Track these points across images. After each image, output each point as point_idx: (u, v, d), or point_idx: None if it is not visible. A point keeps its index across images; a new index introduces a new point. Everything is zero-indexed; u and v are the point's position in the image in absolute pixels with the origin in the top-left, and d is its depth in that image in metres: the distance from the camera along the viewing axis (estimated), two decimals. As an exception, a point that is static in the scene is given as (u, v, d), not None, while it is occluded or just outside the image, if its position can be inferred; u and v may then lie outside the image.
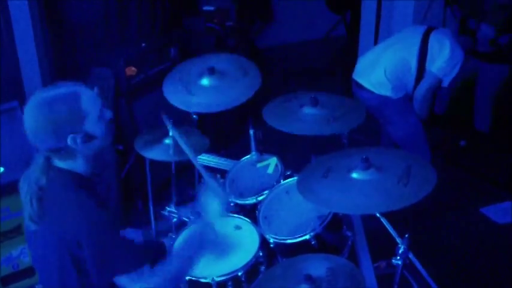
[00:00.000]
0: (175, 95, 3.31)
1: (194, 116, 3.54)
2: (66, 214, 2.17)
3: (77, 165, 2.25)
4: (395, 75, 3.87)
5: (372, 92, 3.95)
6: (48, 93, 2.18)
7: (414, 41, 3.86)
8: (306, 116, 3.03)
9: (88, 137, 2.19)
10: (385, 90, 3.90)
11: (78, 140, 2.16)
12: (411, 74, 3.86)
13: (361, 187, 2.47)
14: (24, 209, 2.24)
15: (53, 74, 4.32)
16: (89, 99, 2.19)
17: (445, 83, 3.81)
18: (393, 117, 4.02)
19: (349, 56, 6.37)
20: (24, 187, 2.25)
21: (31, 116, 2.15)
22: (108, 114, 2.27)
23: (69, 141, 2.15)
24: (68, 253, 2.20)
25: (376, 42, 5.67)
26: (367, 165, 2.49)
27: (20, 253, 3.68)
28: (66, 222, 2.17)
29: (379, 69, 3.92)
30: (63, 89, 2.20)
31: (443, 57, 3.77)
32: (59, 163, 2.24)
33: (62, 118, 2.14)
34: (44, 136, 2.16)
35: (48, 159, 2.23)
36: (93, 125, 2.20)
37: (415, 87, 3.88)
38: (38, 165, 2.23)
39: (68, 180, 2.22)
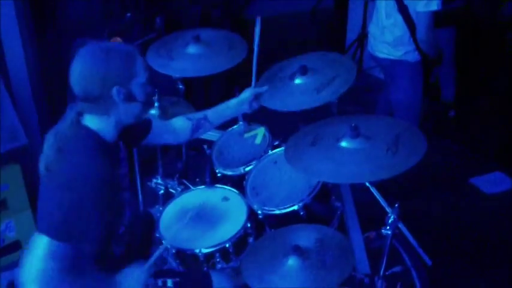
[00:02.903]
0: (156, 60, 3.29)
1: (180, 86, 3.48)
2: (73, 171, 2.16)
3: (106, 125, 2.27)
4: (399, 31, 3.80)
5: (387, 59, 3.95)
6: (108, 44, 2.29)
7: None
8: (295, 88, 2.96)
9: (130, 97, 2.24)
10: (400, 54, 3.85)
11: (121, 95, 2.21)
12: (402, 26, 3.79)
13: (349, 156, 2.43)
14: (42, 158, 2.24)
15: (35, 47, 4.24)
16: (141, 63, 2.28)
17: (438, 7, 3.67)
18: (401, 79, 3.97)
19: (337, 29, 6.34)
20: (50, 138, 2.24)
21: (83, 61, 2.19)
22: (150, 88, 2.34)
23: (113, 92, 2.19)
24: None
25: (365, 15, 5.63)
26: (355, 133, 2.45)
27: (6, 228, 3.64)
28: (69, 178, 2.16)
29: (387, 33, 3.87)
30: (122, 46, 2.31)
31: None
32: (89, 121, 2.25)
33: (115, 68, 2.20)
34: (91, 82, 2.19)
35: (79, 115, 2.26)
36: (139, 88, 2.27)
37: (413, 37, 3.80)
38: (68, 118, 2.27)
39: (90, 141, 2.24)
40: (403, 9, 3.70)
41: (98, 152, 2.21)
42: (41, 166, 2.23)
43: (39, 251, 2.09)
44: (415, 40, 3.76)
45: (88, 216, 2.13)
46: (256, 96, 2.94)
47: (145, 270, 2.37)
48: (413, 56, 3.84)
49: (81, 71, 2.19)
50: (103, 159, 2.19)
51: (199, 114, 2.86)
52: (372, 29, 4.06)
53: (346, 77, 2.92)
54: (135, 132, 2.61)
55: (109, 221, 2.26)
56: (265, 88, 2.97)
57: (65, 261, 2.10)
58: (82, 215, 2.12)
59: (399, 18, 3.75)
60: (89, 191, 2.12)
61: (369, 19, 5.31)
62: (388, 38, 3.86)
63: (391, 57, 3.90)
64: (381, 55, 3.98)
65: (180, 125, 2.81)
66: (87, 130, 2.25)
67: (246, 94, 2.92)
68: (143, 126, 2.66)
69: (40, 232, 2.11)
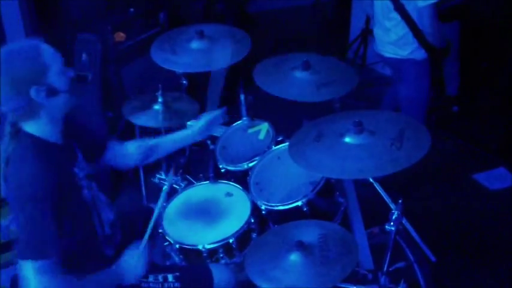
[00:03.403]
0: (161, 55, 3.29)
1: (184, 82, 3.48)
2: (15, 179, 2.14)
3: (43, 126, 2.20)
4: (402, 30, 3.79)
5: (395, 58, 3.94)
6: (7, 48, 2.13)
7: None
8: (296, 80, 2.96)
9: (52, 91, 2.14)
10: (406, 53, 3.85)
11: (42, 94, 2.11)
12: (404, 25, 3.78)
13: (353, 151, 2.43)
14: None
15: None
16: (48, 52, 2.15)
17: None
18: (409, 77, 3.97)
19: (340, 23, 6.32)
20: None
21: None
22: (71, 72, 2.22)
23: (32, 94, 2.09)
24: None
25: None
26: (359, 129, 2.45)
27: (10, 223, 3.63)
28: (12, 187, 2.15)
29: (392, 34, 3.86)
30: (21, 43, 2.17)
31: None
32: (28, 127, 2.19)
33: (23, 71, 2.09)
34: (6, 94, 2.10)
35: (15, 125, 2.19)
36: (57, 78, 2.15)
37: (415, 34, 3.78)
38: (6, 133, 2.20)
39: (29, 145, 2.17)
40: (399, 8, 3.69)
41: (41, 157, 2.15)
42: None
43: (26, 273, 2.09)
44: (418, 37, 3.75)
45: (44, 226, 2.09)
46: (212, 122, 2.87)
47: (143, 249, 2.40)
48: (419, 54, 3.82)
49: None
50: (48, 163, 2.14)
51: (152, 141, 2.76)
52: (376, 30, 4.05)
53: (348, 80, 2.94)
54: (91, 146, 2.55)
55: (77, 223, 2.26)
56: (218, 112, 2.90)
57: (54, 272, 2.11)
58: (37, 227, 2.09)
59: (400, 17, 3.74)
60: (38, 200, 2.08)
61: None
62: (392, 38, 3.85)
63: (398, 57, 3.90)
64: (388, 54, 3.97)
65: (132, 150, 2.71)
66: (29, 137, 2.19)
67: (201, 122, 2.84)
68: (99, 141, 2.61)
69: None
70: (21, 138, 2.19)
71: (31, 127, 2.19)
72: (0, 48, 2.13)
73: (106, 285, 2.32)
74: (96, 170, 2.51)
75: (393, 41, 3.86)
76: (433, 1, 3.58)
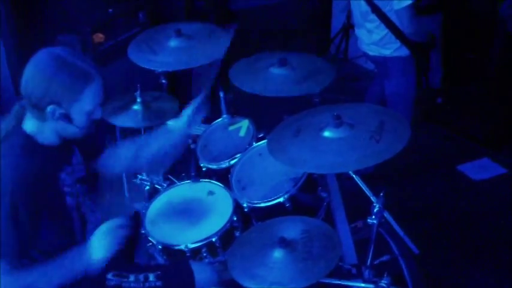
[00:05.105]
0: (138, 54, 3.26)
1: (163, 81, 3.45)
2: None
3: (42, 130, 2.21)
4: (384, 30, 3.79)
5: (379, 56, 3.95)
6: (69, 56, 2.16)
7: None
8: (273, 77, 2.94)
9: (66, 118, 2.16)
10: (390, 51, 3.86)
11: (56, 115, 2.14)
12: (382, 27, 3.78)
13: (332, 145, 2.41)
14: None
15: (16, 45, 4.19)
16: (94, 90, 2.17)
17: None
18: (395, 73, 3.98)
19: (323, 16, 6.31)
20: None
21: (35, 65, 2.14)
22: (99, 113, 2.25)
23: (48, 108, 2.12)
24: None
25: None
26: (338, 122, 2.43)
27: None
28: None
29: (374, 35, 3.86)
30: (84, 63, 2.17)
31: None
32: (27, 122, 2.21)
33: (60, 85, 2.12)
34: (32, 88, 2.13)
35: (22, 109, 2.22)
36: (78, 113, 2.18)
37: (394, 34, 3.78)
38: (12, 112, 2.24)
39: (21, 143, 2.18)
40: (376, 11, 3.69)
41: (26, 158, 2.15)
42: None
43: None
44: (398, 37, 3.75)
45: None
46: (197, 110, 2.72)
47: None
48: (403, 51, 3.84)
49: (28, 73, 2.14)
50: (31, 165, 2.14)
51: (139, 141, 2.70)
52: (358, 31, 4.05)
53: (326, 75, 2.93)
54: (91, 144, 2.54)
55: (55, 229, 2.25)
56: (201, 96, 2.74)
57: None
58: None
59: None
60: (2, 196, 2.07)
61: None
62: (375, 39, 3.86)
63: (382, 55, 3.90)
64: (372, 53, 3.97)
65: (121, 152, 2.64)
66: (22, 131, 2.21)
67: (183, 118, 2.68)
68: (98, 139, 2.61)
69: None
70: (16, 129, 2.21)
71: (30, 124, 2.21)
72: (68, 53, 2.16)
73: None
74: (91, 171, 2.51)
75: (376, 41, 3.87)
76: (408, 3, 3.58)
